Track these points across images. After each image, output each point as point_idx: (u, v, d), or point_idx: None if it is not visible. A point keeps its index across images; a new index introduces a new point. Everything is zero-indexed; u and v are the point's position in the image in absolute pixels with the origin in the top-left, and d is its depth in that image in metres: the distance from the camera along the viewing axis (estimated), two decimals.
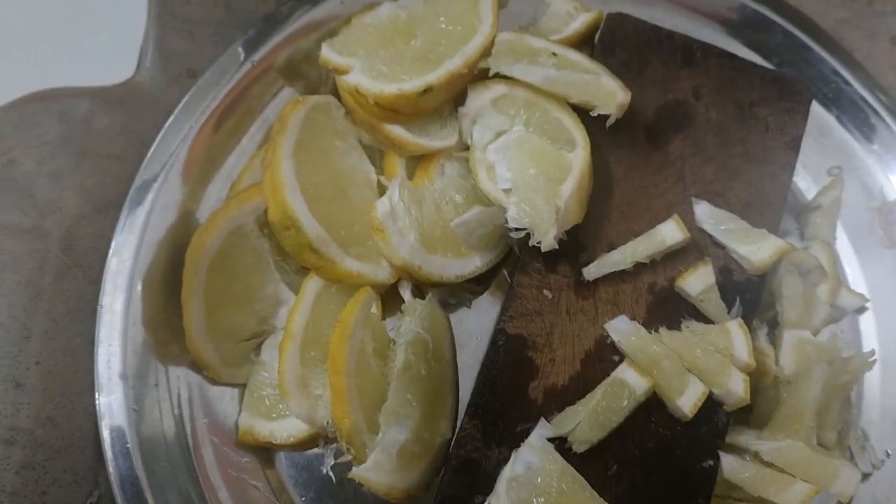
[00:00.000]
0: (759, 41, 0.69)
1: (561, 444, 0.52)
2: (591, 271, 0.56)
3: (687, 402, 0.52)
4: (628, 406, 0.52)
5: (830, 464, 0.54)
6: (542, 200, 0.55)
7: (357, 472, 0.51)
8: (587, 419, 0.52)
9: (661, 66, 0.64)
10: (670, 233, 0.56)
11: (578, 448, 0.52)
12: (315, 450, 0.59)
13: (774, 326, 0.58)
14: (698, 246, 0.58)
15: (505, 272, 0.63)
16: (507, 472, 0.51)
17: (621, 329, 0.55)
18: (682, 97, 0.63)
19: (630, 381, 0.53)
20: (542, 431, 0.52)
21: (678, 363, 0.53)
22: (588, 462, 0.51)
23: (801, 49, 0.68)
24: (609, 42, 0.65)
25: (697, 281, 0.56)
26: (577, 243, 0.58)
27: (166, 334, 0.58)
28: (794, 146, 0.62)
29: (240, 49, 0.65)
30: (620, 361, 0.54)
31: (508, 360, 0.55)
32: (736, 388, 0.52)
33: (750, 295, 0.57)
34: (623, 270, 0.57)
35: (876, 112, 0.66)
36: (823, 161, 0.67)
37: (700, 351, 0.53)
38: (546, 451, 0.51)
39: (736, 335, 0.54)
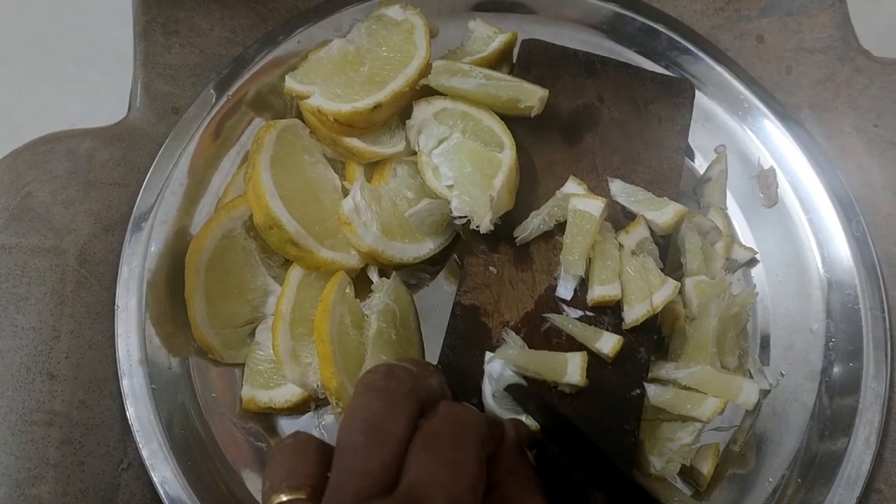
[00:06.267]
0: (648, 48, 0.81)
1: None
2: (520, 236, 0.67)
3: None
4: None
5: (734, 380, 0.65)
6: (479, 192, 0.65)
7: None
8: None
9: (569, 79, 0.75)
10: (571, 188, 0.68)
11: None
12: (308, 414, 0.68)
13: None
14: (615, 217, 0.69)
15: (455, 257, 0.74)
16: (488, 391, 0.61)
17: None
18: (588, 102, 0.74)
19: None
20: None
21: None
22: None
23: (684, 52, 0.80)
24: (525, 62, 0.76)
25: (635, 236, 0.67)
26: (512, 227, 0.68)
27: (172, 328, 0.67)
28: (683, 133, 0.73)
29: (215, 87, 0.75)
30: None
31: (466, 326, 0.65)
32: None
33: (660, 254, 0.68)
34: (555, 246, 0.67)
35: (747, 98, 0.78)
36: (710, 142, 0.79)
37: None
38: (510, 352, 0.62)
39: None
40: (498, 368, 0.61)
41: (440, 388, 0.49)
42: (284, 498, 0.42)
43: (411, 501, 0.39)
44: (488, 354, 0.62)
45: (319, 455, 0.44)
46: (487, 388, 0.61)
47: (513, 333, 0.64)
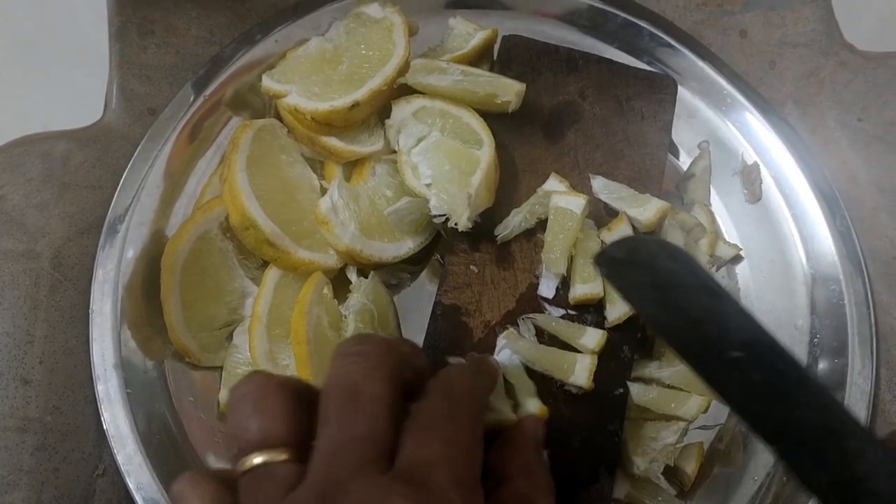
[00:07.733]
0: (630, 44, 0.80)
1: None
2: (502, 235, 0.67)
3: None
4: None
5: None
6: (456, 189, 0.64)
7: None
8: None
9: (551, 75, 0.75)
10: (553, 185, 0.67)
11: None
12: None
13: None
14: (597, 214, 0.68)
15: (437, 256, 0.73)
16: None
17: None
18: (570, 98, 0.74)
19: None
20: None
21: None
22: None
23: (666, 47, 0.79)
24: (506, 59, 0.75)
25: (617, 233, 0.66)
26: (493, 226, 0.67)
27: (149, 332, 0.67)
28: (666, 129, 0.73)
29: (191, 87, 0.74)
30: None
31: (447, 325, 0.65)
32: None
33: None
34: (536, 244, 0.67)
35: (731, 94, 0.78)
36: (694, 138, 0.78)
37: None
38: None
39: None
40: (506, 356, 0.61)
41: (425, 367, 0.46)
42: (259, 460, 0.36)
43: (412, 483, 0.36)
44: (500, 340, 0.63)
45: (293, 400, 0.38)
46: None
47: (529, 322, 0.64)
